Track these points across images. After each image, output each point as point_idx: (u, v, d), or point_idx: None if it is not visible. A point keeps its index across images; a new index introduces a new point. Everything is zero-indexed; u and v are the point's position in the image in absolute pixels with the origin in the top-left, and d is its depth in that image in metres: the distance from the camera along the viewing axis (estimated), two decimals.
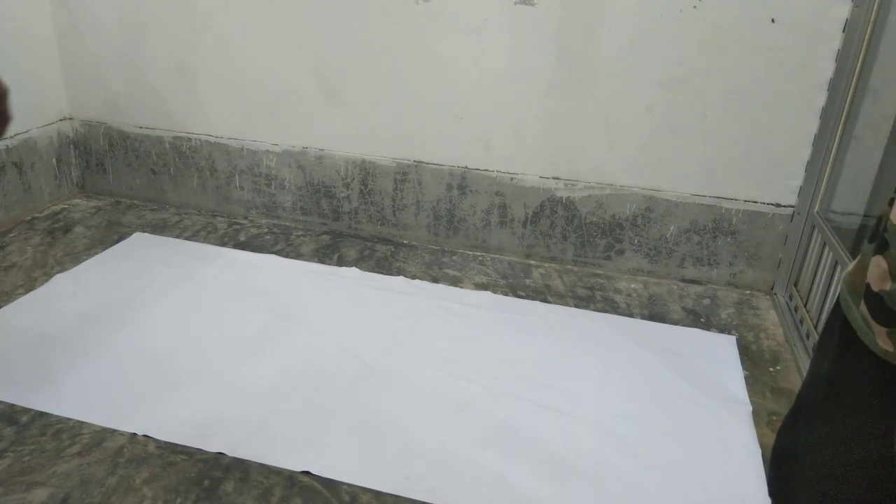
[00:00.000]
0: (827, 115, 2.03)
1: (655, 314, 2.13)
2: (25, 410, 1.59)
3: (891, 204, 0.72)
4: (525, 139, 2.29)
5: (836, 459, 0.78)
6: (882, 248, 0.70)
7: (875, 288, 0.70)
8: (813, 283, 2.04)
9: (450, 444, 1.55)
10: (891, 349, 0.71)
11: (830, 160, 2.05)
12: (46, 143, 2.59)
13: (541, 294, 2.21)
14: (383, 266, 2.33)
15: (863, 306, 0.73)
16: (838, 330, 0.78)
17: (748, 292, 2.29)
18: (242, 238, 2.48)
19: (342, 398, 1.68)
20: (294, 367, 1.78)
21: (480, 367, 1.81)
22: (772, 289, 2.27)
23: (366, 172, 2.46)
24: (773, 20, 1.97)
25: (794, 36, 1.98)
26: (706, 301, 2.22)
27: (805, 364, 1.86)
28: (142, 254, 2.32)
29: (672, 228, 2.28)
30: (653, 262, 2.34)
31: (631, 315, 2.12)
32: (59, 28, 2.54)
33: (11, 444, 1.50)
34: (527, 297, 2.19)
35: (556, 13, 2.10)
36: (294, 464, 1.48)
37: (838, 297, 0.80)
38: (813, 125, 2.06)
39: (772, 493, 0.95)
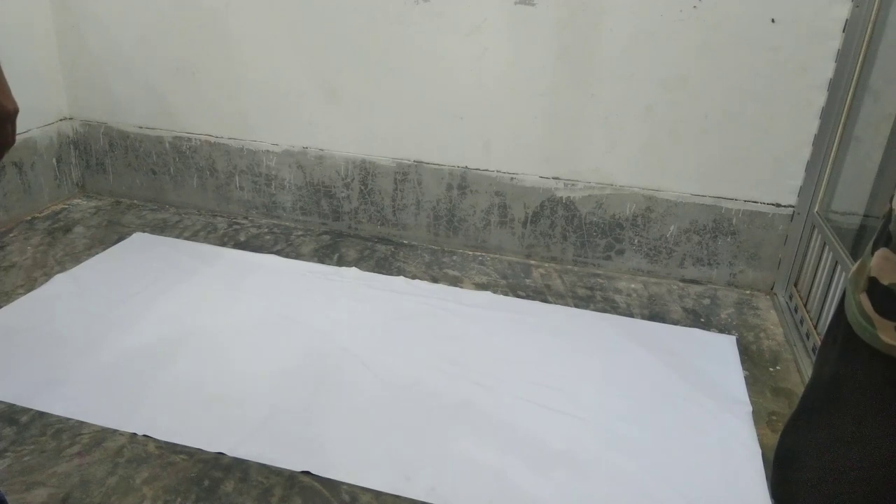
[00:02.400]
0: (827, 115, 2.03)
1: (655, 314, 2.13)
2: (25, 410, 1.59)
3: (891, 201, 0.72)
4: (525, 139, 2.29)
5: (840, 462, 0.78)
6: (888, 241, 0.70)
7: (885, 282, 0.70)
8: (813, 283, 2.04)
9: (450, 443, 1.55)
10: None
11: (830, 160, 2.05)
12: (46, 143, 2.59)
13: (541, 294, 2.21)
14: (383, 266, 2.33)
15: (865, 301, 0.72)
16: (842, 331, 0.78)
17: (748, 292, 2.29)
18: (242, 238, 2.48)
19: (342, 398, 1.68)
20: (294, 367, 1.78)
21: (480, 367, 1.81)
22: (772, 289, 2.27)
23: (366, 172, 2.46)
24: (773, 20, 1.97)
25: (794, 36, 1.98)
26: (706, 301, 2.22)
27: (805, 364, 1.86)
28: (142, 254, 2.32)
29: (672, 228, 2.28)
30: (653, 262, 2.34)
31: (631, 315, 2.12)
32: (59, 28, 2.53)
33: (11, 444, 1.49)
34: (527, 297, 2.19)
35: (556, 13, 2.10)
36: (294, 464, 1.47)
37: (842, 299, 0.80)
38: (813, 125, 2.06)
39: (774, 496, 0.95)
